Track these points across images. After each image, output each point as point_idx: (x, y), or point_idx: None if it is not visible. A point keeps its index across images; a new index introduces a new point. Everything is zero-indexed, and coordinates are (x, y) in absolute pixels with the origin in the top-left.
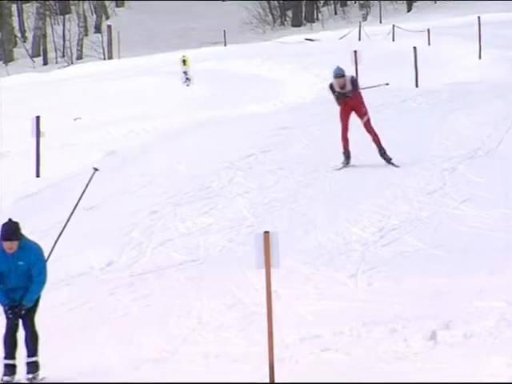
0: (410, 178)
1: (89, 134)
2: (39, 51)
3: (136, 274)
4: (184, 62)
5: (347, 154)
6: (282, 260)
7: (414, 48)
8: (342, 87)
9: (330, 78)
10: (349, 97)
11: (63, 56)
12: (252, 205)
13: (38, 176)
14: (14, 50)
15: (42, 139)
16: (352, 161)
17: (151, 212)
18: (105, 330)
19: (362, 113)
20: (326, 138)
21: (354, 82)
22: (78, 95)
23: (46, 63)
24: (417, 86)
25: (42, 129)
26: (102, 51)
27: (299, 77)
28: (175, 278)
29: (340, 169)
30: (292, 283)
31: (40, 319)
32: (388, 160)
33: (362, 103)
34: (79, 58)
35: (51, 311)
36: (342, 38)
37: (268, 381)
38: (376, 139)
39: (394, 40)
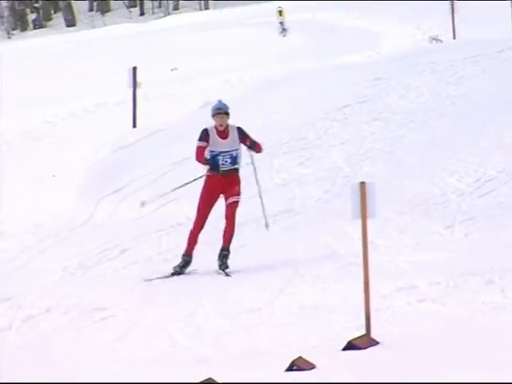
0: (507, 128)
1: (185, 84)
2: (136, 2)
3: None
4: (280, 12)
5: None
6: (378, 210)
7: None
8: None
9: (430, 30)
10: None
11: (160, 6)
12: (348, 155)
13: (134, 126)
14: (111, 0)
15: (138, 90)
16: (447, 111)
17: (246, 162)
18: (202, 280)
19: None
20: (422, 88)
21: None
22: (174, 46)
23: (142, 14)
24: None
25: (138, 79)
26: (198, 2)
27: (397, 29)
28: (271, 228)
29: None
30: (388, 234)
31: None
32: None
33: None
34: (175, 8)
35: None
36: None
37: (364, 331)
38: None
39: None
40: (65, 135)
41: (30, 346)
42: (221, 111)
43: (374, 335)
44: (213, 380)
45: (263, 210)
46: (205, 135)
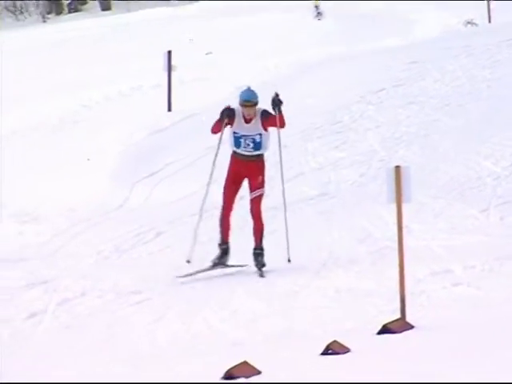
0: None
1: (220, 68)
2: None
3: (267, 208)
4: None
5: None
6: (413, 194)
7: None
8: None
9: (465, 14)
10: None
11: None
12: (383, 139)
13: (169, 110)
14: None
15: (173, 73)
16: (483, 94)
17: (282, 146)
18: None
19: None
20: (457, 72)
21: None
22: (209, 30)
23: None
24: None
25: (173, 63)
26: None
27: (432, 13)
28: (306, 212)
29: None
30: (423, 218)
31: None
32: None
33: None
34: None
35: None
36: None
37: (399, 315)
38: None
39: None
40: (99, 119)
41: (65, 330)
42: (248, 103)
43: (408, 319)
44: (248, 363)
45: (287, 244)
46: (230, 116)
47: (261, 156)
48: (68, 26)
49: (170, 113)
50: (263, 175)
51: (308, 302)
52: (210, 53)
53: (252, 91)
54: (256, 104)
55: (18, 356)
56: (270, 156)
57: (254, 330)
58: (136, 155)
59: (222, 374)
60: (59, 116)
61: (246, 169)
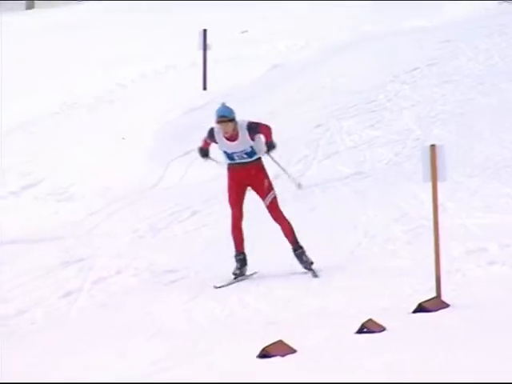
0: None
1: (255, 47)
2: None
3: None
4: None
5: None
6: (448, 173)
7: None
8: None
9: None
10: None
11: None
12: (418, 118)
13: (204, 89)
14: None
15: (208, 52)
16: None
17: (317, 125)
18: (270, 242)
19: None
20: (491, 51)
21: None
22: (244, 8)
23: None
24: None
25: (208, 42)
26: None
27: None
28: (341, 191)
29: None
30: (458, 196)
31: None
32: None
33: None
34: None
35: None
36: None
37: (435, 294)
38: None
39: None
40: (135, 97)
41: (100, 308)
42: (224, 119)
43: (444, 298)
44: (283, 342)
45: (287, 174)
46: (210, 136)
47: (259, 159)
48: (103, 4)
49: (205, 91)
50: (268, 178)
51: (343, 281)
52: (246, 31)
53: (227, 107)
54: (232, 120)
55: (53, 334)
56: (305, 135)
57: (289, 308)
58: (171, 134)
59: (257, 353)
60: (95, 94)
61: (247, 175)
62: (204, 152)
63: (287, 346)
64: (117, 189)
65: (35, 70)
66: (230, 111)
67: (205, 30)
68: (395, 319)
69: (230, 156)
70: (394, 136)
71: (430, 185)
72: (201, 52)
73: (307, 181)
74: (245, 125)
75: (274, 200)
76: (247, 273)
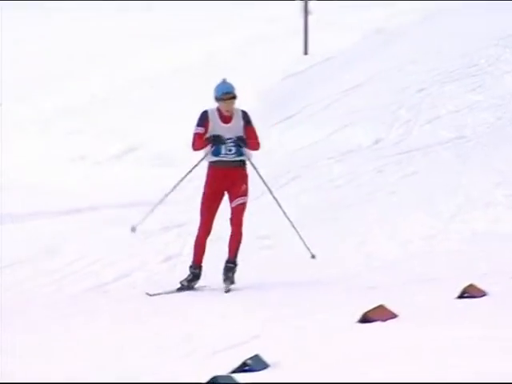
0: None
1: (356, 11)
2: None
3: (403, 151)
4: None
5: None
6: None
7: None
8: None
9: None
10: None
11: None
12: None
13: (305, 54)
14: None
15: (310, 17)
16: None
17: (419, 90)
18: (372, 207)
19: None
20: None
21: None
22: None
23: None
24: None
25: (309, 7)
26: None
27: None
28: (442, 155)
29: None
30: None
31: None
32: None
33: None
34: None
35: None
36: None
37: None
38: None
39: None
40: (235, 63)
41: None
42: (230, 95)
43: None
44: (384, 306)
45: (302, 241)
46: (203, 120)
47: (244, 163)
48: None
49: (306, 56)
50: (247, 184)
51: (444, 246)
52: None
53: (229, 83)
54: (235, 97)
55: (154, 301)
56: (405, 99)
57: (390, 272)
58: (271, 99)
59: (358, 318)
60: (195, 60)
61: (228, 179)
62: (220, 139)
63: (388, 311)
64: None
65: (139, 40)
66: (234, 87)
67: None
68: (496, 284)
69: (217, 147)
70: (495, 100)
71: None
72: (302, 17)
73: (408, 145)
74: (240, 110)
75: (243, 206)
76: (196, 286)
